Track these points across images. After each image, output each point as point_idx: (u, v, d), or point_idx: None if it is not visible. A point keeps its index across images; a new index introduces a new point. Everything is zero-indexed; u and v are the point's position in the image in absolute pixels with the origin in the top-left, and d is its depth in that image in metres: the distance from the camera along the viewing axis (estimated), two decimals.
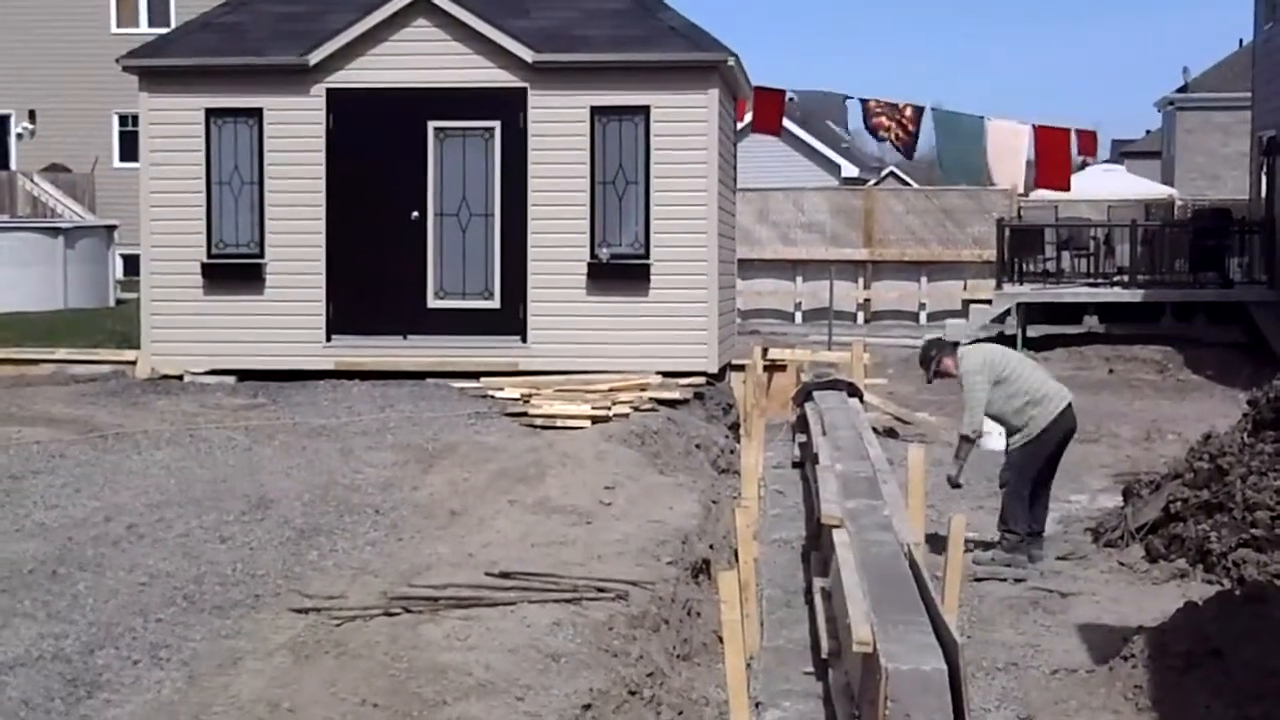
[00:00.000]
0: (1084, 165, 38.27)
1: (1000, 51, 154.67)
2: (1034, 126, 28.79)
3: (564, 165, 19.54)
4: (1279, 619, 9.31)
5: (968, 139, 28.93)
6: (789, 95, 29.90)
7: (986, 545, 13.55)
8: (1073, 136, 29.06)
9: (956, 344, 14.51)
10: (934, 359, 14.15)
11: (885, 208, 38.39)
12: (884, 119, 28.97)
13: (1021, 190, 35.11)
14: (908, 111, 29.07)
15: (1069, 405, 13.59)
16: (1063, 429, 13.63)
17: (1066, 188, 29.81)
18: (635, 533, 11.57)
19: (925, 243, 37.16)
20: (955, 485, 14.26)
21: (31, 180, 35.66)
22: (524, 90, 19.59)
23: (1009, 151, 28.55)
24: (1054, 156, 28.67)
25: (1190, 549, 12.52)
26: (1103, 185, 38.29)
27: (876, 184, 55.85)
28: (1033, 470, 13.62)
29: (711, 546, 12.17)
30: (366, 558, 10.88)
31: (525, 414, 16.69)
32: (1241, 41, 51.38)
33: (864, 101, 29.28)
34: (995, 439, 19.06)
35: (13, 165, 38.34)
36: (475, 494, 13.02)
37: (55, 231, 30.81)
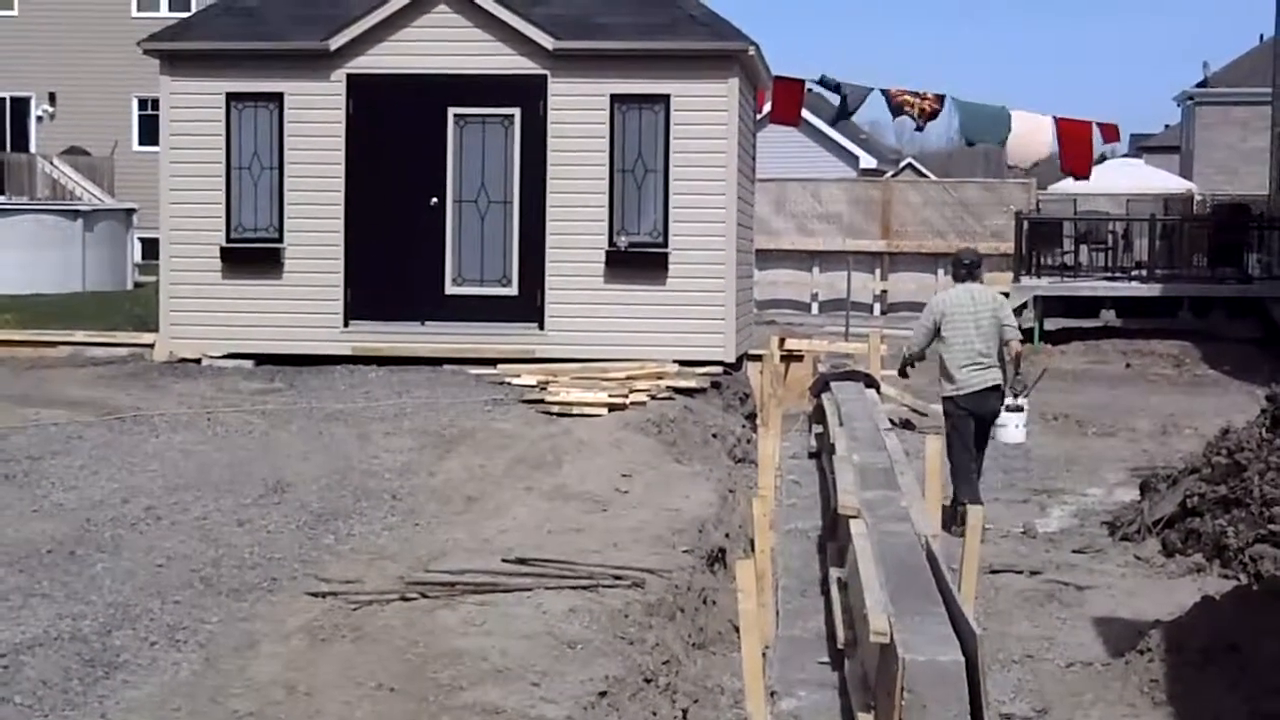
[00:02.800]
0: (1102, 159, 38.15)
1: (1018, 45, 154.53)
2: (1055, 118, 28.66)
3: (583, 153, 19.52)
4: None
5: (995, 124, 28.74)
6: (808, 85, 29.72)
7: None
8: (1095, 129, 28.91)
9: (974, 270, 15.29)
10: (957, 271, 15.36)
11: (903, 199, 38.35)
12: (907, 97, 28.81)
13: (1040, 182, 35.00)
14: (930, 95, 28.89)
15: (971, 395, 14.46)
16: (963, 408, 14.54)
17: (1088, 176, 29.70)
18: (651, 520, 11.56)
19: (943, 235, 37.09)
20: (902, 373, 16.23)
21: (51, 163, 35.70)
22: (544, 77, 19.58)
23: (1033, 140, 28.41)
24: (1077, 147, 28.53)
25: (1207, 544, 12.51)
26: (1121, 179, 38.19)
27: (894, 176, 55.79)
28: (957, 433, 14.55)
29: (728, 535, 12.16)
30: (383, 543, 10.88)
31: (542, 401, 16.69)
32: (1262, 37, 51.25)
33: (885, 90, 29.09)
34: (1011, 431, 19.14)
35: (32, 148, 38.41)
36: (492, 480, 13.02)
37: (74, 214, 30.90)
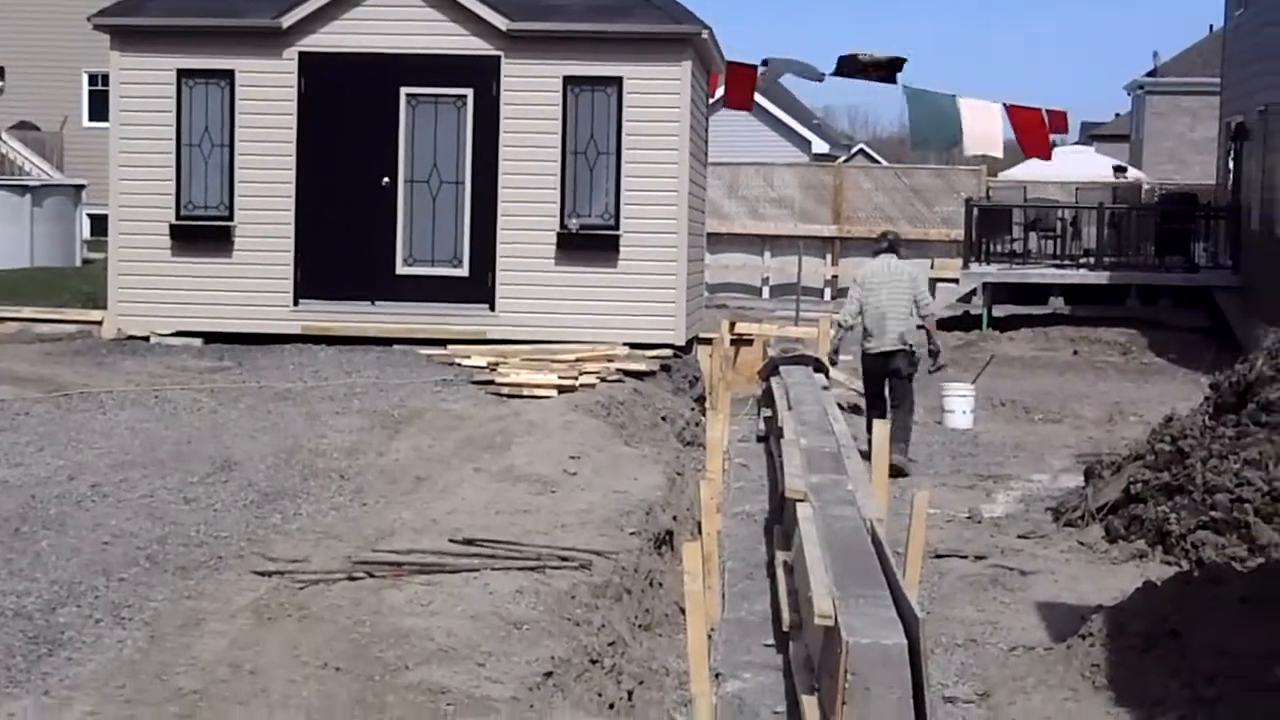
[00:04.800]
0: (1054, 145, 38.30)
1: (969, 35, 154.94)
2: (1005, 105, 28.78)
3: (536, 135, 19.52)
4: (1236, 601, 9.37)
5: (941, 115, 28.88)
6: (760, 65, 29.70)
7: None
8: (1044, 116, 29.07)
9: (894, 246, 17.46)
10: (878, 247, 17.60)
11: (854, 185, 38.44)
12: (863, 55, 28.69)
13: (990, 169, 35.14)
14: (884, 62, 28.83)
15: (877, 354, 16.61)
16: (878, 365, 16.68)
17: (1049, 157, 29.90)
18: (599, 502, 11.58)
19: (894, 221, 37.11)
20: (831, 361, 18.31)
21: (1, 139, 35.42)
22: (497, 59, 19.55)
23: (984, 128, 28.55)
24: (1033, 132, 28.70)
25: (1150, 530, 12.58)
26: (1071, 168, 38.39)
27: (846, 161, 55.88)
28: (870, 383, 16.97)
29: (675, 518, 12.18)
30: (330, 522, 10.87)
31: (492, 382, 16.68)
32: (1212, 27, 51.53)
33: (845, 58, 28.89)
34: (959, 417, 19.27)
35: None
36: (440, 461, 13.02)
37: (23, 190, 30.65)
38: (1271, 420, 12.99)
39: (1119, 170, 39.68)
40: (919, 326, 16.88)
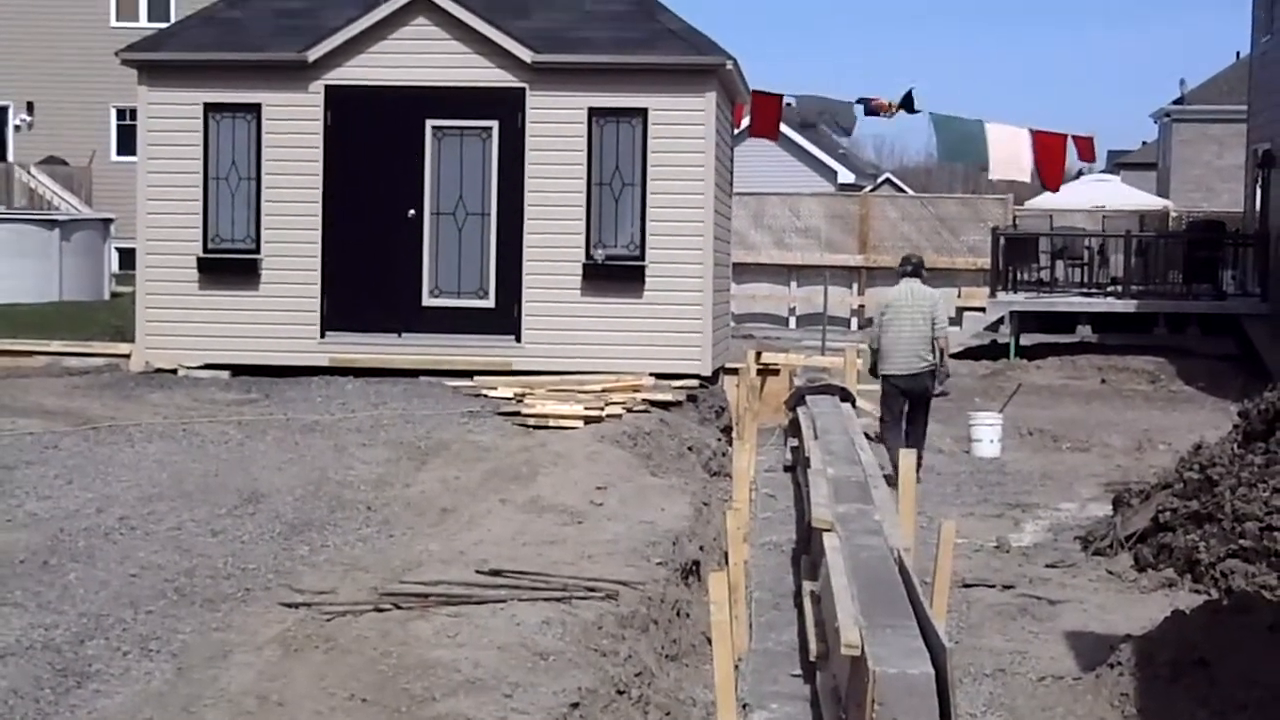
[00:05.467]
0: (1079, 174, 38.27)
1: (997, 61, 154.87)
2: (1031, 130, 28.82)
3: (561, 166, 19.56)
4: (1265, 630, 9.34)
5: (969, 139, 29.00)
6: (787, 100, 29.83)
7: None
8: (1070, 142, 29.09)
9: (918, 270, 17.60)
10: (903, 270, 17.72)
11: (880, 214, 38.38)
12: (881, 100, 28.95)
13: (1016, 197, 35.09)
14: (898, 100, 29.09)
15: (899, 375, 16.94)
16: (895, 386, 17.04)
17: (1057, 189, 29.98)
18: (626, 533, 11.58)
19: (920, 249, 37.04)
20: (871, 373, 17.97)
21: (29, 172, 35.60)
22: (522, 90, 19.61)
23: (1011, 153, 28.61)
24: (1051, 160, 28.79)
25: (1179, 559, 12.54)
26: (1098, 195, 38.30)
27: (872, 191, 55.84)
28: (890, 402, 17.19)
29: (702, 548, 12.17)
30: (357, 554, 10.89)
31: (518, 413, 16.69)
32: (1238, 54, 51.39)
33: (862, 101, 29.22)
34: (986, 446, 19.22)
35: (10, 157, 38.25)
36: (467, 492, 13.03)
37: (51, 224, 30.80)
38: None
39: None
40: (934, 346, 17.09)
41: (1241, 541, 12.21)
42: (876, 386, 21.47)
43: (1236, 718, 8.44)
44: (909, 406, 17.14)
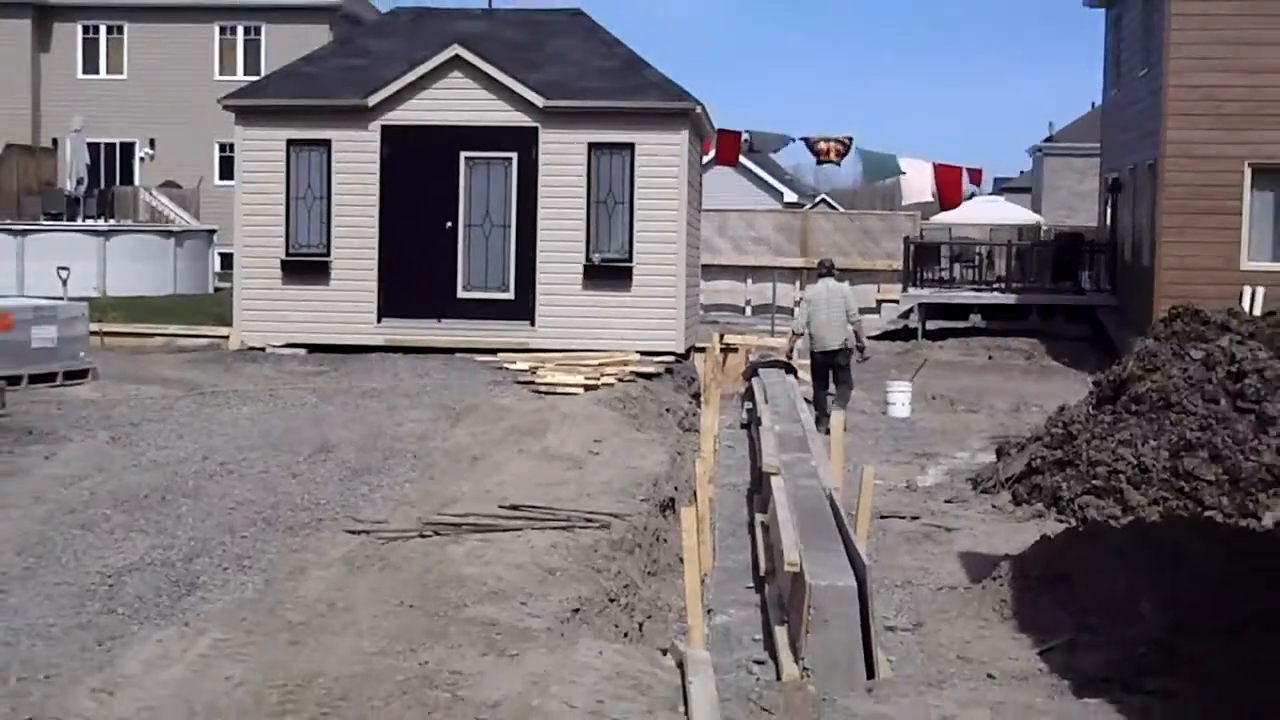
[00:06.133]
0: (972, 196, 38.22)
1: (914, 105, 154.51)
2: (934, 164, 28.98)
3: (566, 188, 19.52)
4: (1111, 551, 9.36)
5: (888, 169, 29.35)
6: (744, 135, 29.81)
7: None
8: (964, 173, 29.27)
9: (831, 271, 18.19)
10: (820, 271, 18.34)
11: (817, 227, 38.26)
12: (823, 144, 29.08)
13: (923, 214, 35.06)
14: (839, 139, 29.26)
15: (822, 351, 17.46)
16: (823, 359, 17.54)
17: (957, 204, 30.27)
18: (616, 476, 11.58)
19: (848, 255, 36.88)
20: (788, 356, 18.85)
21: (151, 194, 35.40)
22: (536, 129, 19.56)
23: (919, 182, 28.90)
24: (950, 187, 29.05)
25: (1046, 495, 12.55)
26: (986, 213, 38.27)
27: (811, 208, 55.70)
28: (817, 371, 17.69)
29: (676, 488, 12.17)
30: (405, 492, 10.88)
31: (532, 382, 16.69)
32: (1094, 104, 51.36)
33: (806, 138, 29.33)
34: (898, 408, 19.18)
35: (137, 182, 38.08)
36: (492, 444, 13.02)
37: (168, 234, 30.67)
38: (1140, 409, 12.95)
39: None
40: (852, 329, 17.54)
41: (1094, 482, 12.24)
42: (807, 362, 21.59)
43: (1089, 618, 8.46)
44: (832, 374, 17.53)
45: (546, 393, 16.18)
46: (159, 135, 38.72)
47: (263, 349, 19.63)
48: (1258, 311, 19.04)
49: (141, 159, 38.73)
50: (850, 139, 29.20)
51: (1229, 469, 11.81)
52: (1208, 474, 11.81)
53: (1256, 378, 12.58)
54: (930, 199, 30.82)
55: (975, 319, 29.49)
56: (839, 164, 30.29)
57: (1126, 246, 27.64)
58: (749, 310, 37.18)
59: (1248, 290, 22.23)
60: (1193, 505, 11.62)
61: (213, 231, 32.05)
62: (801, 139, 29.39)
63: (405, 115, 19.70)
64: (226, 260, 28.76)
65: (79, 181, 31.30)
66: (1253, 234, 22.88)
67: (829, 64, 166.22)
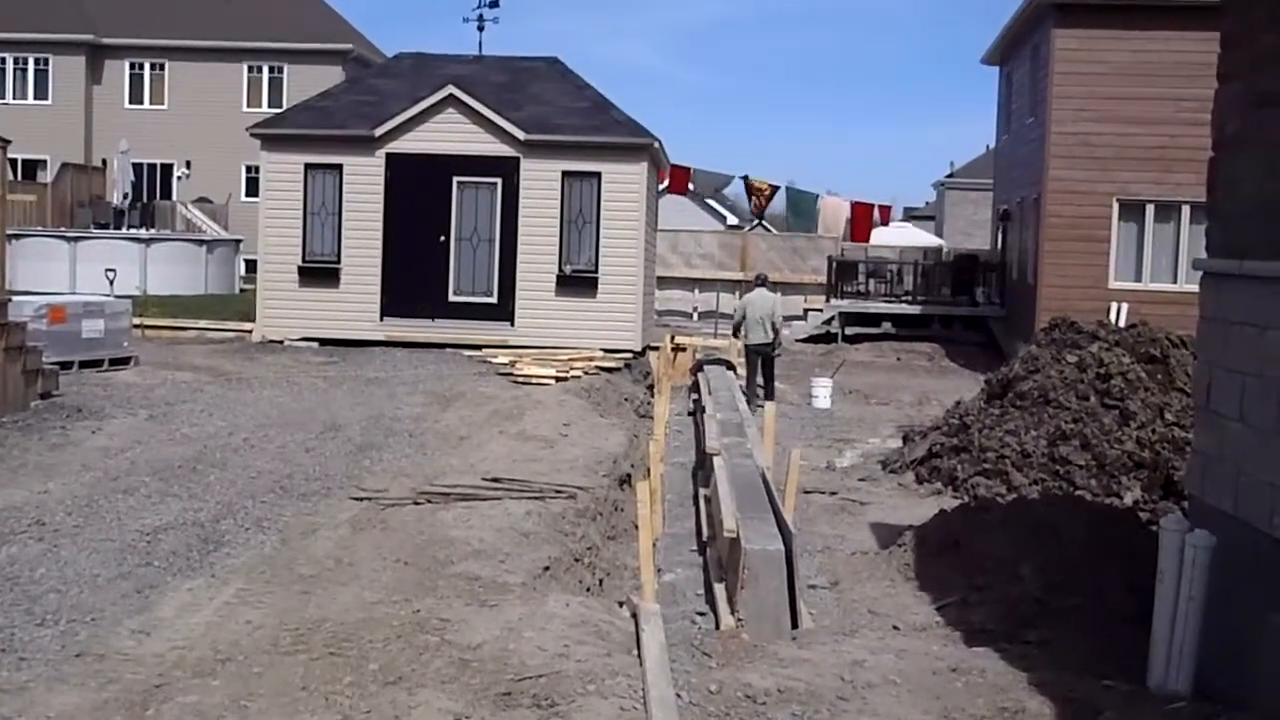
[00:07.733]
0: (884, 223, 38.35)
1: (836, 145, 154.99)
2: (851, 202, 29.29)
3: (543, 209, 19.49)
4: (998, 523, 9.43)
5: (809, 206, 29.68)
6: (693, 171, 30.01)
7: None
8: (875, 209, 29.57)
9: (764, 282, 19.12)
10: (755, 282, 19.12)
11: (755, 245, 38.19)
12: (757, 185, 29.42)
13: (842, 240, 35.18)
14: (767, 189, 29.68)
15: (754, 344, 18.02)
16: (754, 350, 18.08)
17: (867, 240, 30.50)
18: (582, 455, 11.57)
19: (780, 270, 36.92)
20: (728, 364, 18.91)
21: (186, 208, 35.13)
22: (518, 159, 19.52)
23: (834, 216, 29.29)
24: (862, 221, 29.47)
25: (944, 476, 12.63)
26: (897, 237, 38.43)
27: (749, 230, 55.77)
28: (749, 359, 18.21)
29: (632, 465, 12.18)
30: (402, 465, 10.83)
31: (511, 374, 16.65)
32: (988, 146, 51.71)
33: (744, 178, 29.58)
34: (821, 400, 19.21)
35: (174, 197, 37.76)
36: (477, 426, 12.98)
37: (201, 243, 30.44)
38: (1023, 404, 13.06)
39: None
40: (775, 329, 18.17)
41: (984, 465, 12.32)
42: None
43: (978, 579, 8.52)
44: (761, 364, 18.03)
45: (523, 383, 16.15)
46: (194, 157, 38.37)
47: (281, 342, 19.50)
48: (1122, 323, 19.24)
49: (179, 178, 38.36)
50: (777, 188, 29.69)
51: (1097, 455, 11.92)
52: (1079, 459, 11.92)
53: (1120, 379, 12.71)
54: (841, 234, 31.21)
55: (887, 326, 29.65)
56: (760, 213, 30.80)
57: (1014, 267, 27.90)
58: (696, 316, 37.15)
59: (1114, 305, 22.52)
60: (1066, 486, 11.72)
61: (239, 241, 31.80)
62: (741, 178, 29.66)
63: (406, 145, 19.61)
64: (251, 266, 28.58)
65: (125, 196, 31.05)
66: (1119, 258, 23.21)
67: (767, 108, 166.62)
